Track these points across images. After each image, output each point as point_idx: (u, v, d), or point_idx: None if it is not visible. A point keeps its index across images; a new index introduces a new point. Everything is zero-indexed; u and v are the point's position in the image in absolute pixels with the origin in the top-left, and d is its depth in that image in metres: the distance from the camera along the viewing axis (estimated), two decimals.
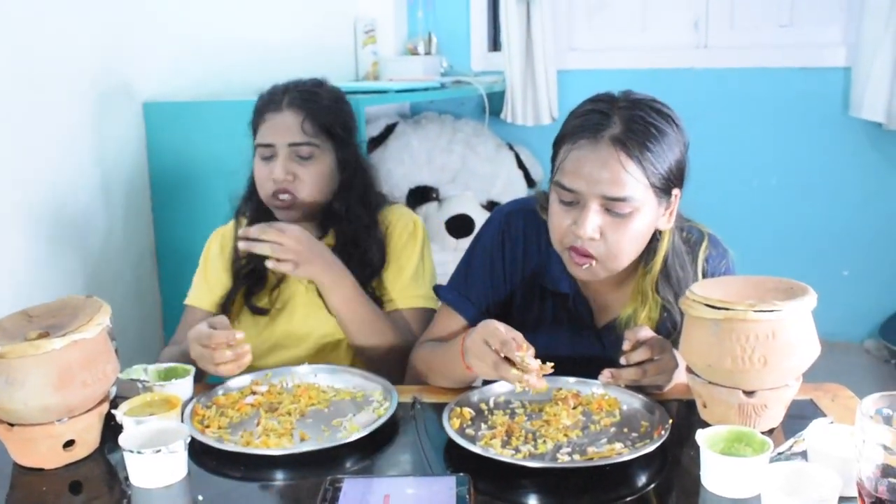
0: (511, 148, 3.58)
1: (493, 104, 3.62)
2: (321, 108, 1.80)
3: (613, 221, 1.40)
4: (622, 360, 1.41)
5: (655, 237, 1.49)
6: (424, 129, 3.47)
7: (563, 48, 3.76)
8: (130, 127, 2.39)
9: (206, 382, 1.61)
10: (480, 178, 3.41)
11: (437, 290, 1.71)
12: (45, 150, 2.08)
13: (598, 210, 1.39)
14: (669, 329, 1.52)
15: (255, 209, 1.87)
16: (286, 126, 1.77)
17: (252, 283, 1.86)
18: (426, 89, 3.12)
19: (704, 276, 1.54)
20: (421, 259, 1.87)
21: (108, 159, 2.30)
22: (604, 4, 3.78)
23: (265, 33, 2.94)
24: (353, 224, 1.83)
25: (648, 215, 1.42)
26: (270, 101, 1.82)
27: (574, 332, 1.60)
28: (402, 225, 1.88)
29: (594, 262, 1.43)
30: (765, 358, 1.26)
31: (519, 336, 1.35)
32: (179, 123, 2.41)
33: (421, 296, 1.84)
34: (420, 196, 3.32)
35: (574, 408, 1.41)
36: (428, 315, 1.80)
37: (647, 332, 1.41)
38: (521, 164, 3.53)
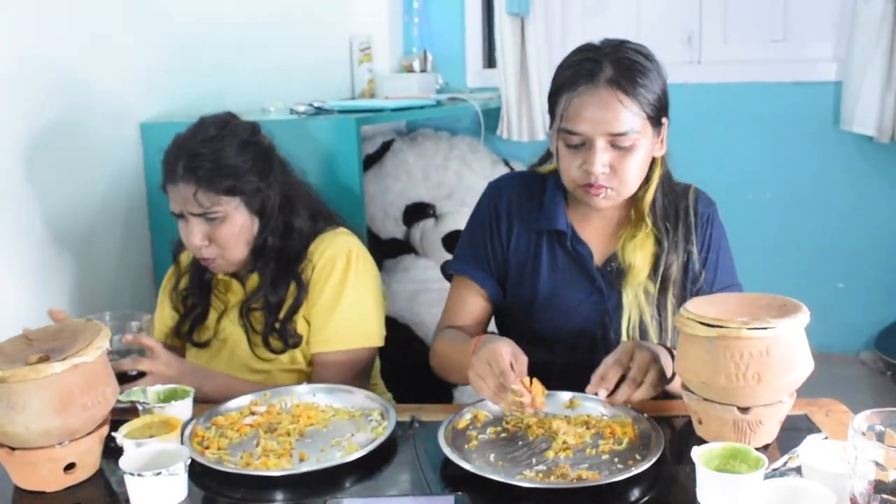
0: (507, 164, 3.59)
1: (489, 120, 3.64)
2: (215, 171, 1.72)
3: (619, 155, 1.54)
4: (601, 395, 1.44)
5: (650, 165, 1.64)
6: (420, 146, 3.48)
7: (557, 64, 3.77)
8: (128, 148, 2.40)
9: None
10: (476, 194, 3.36)
11: (446, 264, 1.82)
12: (41, 171, 2.09)
13: (604, 147, 1.53)
14: (662, 269, 1.64)
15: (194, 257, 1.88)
16: (184, 198, 1.73)
17: (194, 319, 1.90)
18: (422, 107, 3.13)
19: (696, 213, 1.68)
20: (336, 298, 1.79)
21: (105, 181, 2.31)
22: (597, 21, 3.80)
23: (261, 52, 2.96)
24: (267, 257, 1.81)
25: (647, 144, 1.57)
26: (168, 170, 1.77)
27: (574, 275, 1.69)
28: (324, 260, 1.81)
29: (609, 190, 1.57)
30: (759, 375, 1.28)
31: (522, 365, 1.42)
32: None
33: (324, 340, 1.80)
34: (416, 213, 3.33)
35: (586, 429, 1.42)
36: (339, 357, 1.79)
37: (608, 360, 1.46)
38: None
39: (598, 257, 1.69)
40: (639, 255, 1.64)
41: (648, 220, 1.64)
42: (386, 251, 3.19)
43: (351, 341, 1.80)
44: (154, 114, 2.47)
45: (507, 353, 1.41)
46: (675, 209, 1.67)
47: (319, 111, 2.55)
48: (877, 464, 1.01)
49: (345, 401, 1.56)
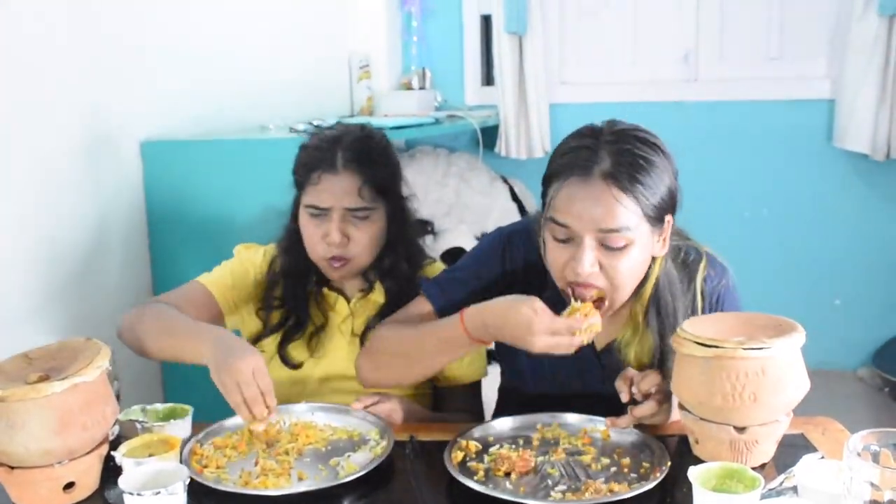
0: (505, 181, 3.61)
1: (487, 138, 3.66)
2: (376, 167, 1.71)
3: (610, 254, 1.40)
4: (636, 396, 1.43)
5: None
6: (419, 163, 3.50)
7: (555, 82, 3.81)
8: (128, 166, 2.41)
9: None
10: (475, 211, 3.43)
11: (424, 283, 1.69)
12: (39, 191, 2.09)
13: (593, 245, 1.40)
14: (663, 357, 1.52)
15: (299, 263, 1.77)
16: (343, 190, 1.68)
17: (288, 331, 1.78)
18: (420, 125, 3.15)
19: (703, 296, 1.55)
20: None
21: (104, 199, 2.32)
22: (595, 39, 3.84)
23: (262, 71, 2.98)
24: (398, 281, 1.77)
25: (644, 245, 1.42)
26: (323, 159, 1.69)
27: (576, 356, 1.56)
28: None
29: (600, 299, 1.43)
30: (755, 395, 1.28)
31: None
32: (178, 162, 2.43)
33: (459, 374, 1.79)
34: None
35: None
36: (468, 389, 1.81)
37: (633, 371, 1.46)
38: (514, 197, 3.56)
39: (599, 340, 1.56)
40: (635, 353, 1.54)
41: (645, 323, 1.53)
42: None
43: (477, 373, 1.81)
44: (155, 132, 2.48)
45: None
46: (676, 303, 1.52)
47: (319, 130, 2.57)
48: (872, 484, 1.02)
49: (343, 420, 1.56)
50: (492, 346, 1.74)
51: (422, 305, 1.65)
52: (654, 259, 1.49)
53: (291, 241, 1.78)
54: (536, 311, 1.38)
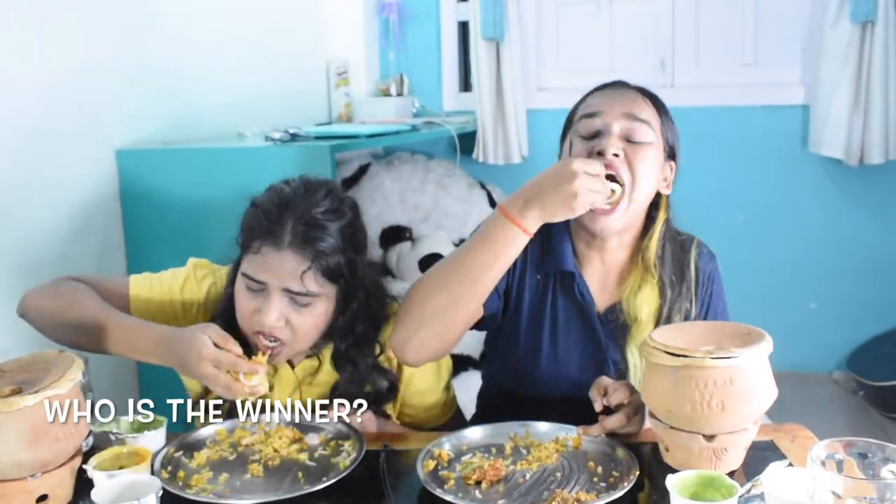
0: (483, 187, 3.63)
1: (465, 144, 3.68)
2: (328, 251, 1.48)
3: (633, 149, 1.52)
4: (606, 405, 1.45)
5: (656, 204, 1.61)
6: (397, 170, 3.51)
7: (532, 88, 3.83)
8: (103, 174, 2.40)
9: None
10: (453, 217, 3.44)
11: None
12: (11, 199, 2.08)
13: (619, 131, 1.52)
14: (664, 322, 1.58)
15: (231, 331, 1.48)
16: (285, 271, 1.46)
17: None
18: (397, 132, 3.16)
19: (697, 270, 1.65)
20: (445, 388, 1.75)
21: (80, 207, 2.31)
22: (572, 45, 3.86)
23: (239, 77, 2.98)
24: (359, 365, 1.61)
25: (659, 156, 1.56)
26: (269, 232, 1.47)
27: (578, 319, 1.63)
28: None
29: (618, 194, 1.50)
30: (723, 403, 1.30)
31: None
32: (153, 170, 2.43)
33: (425, 420, 1.76)
34: (393, 236, 3.35)
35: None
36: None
37: (607, 381, 1.47)
38: (492, 203, 3.57)
39: (600, 305, 1.63)
40: (644, 308, 1.58)
41: (655, 271, 1.59)
42: None
43: (446, 416, 1.79)
44: (130, 140, 2.47)
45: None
46: (680, 262, 1.63)
47: (294, 138, 2.57)
48: (834, 493, 1.03)
49: (318, 430, 1.55)
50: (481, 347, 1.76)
51: None
52: (661, 198, 1.61)
53: (226, 306, 1.58)
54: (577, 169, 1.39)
